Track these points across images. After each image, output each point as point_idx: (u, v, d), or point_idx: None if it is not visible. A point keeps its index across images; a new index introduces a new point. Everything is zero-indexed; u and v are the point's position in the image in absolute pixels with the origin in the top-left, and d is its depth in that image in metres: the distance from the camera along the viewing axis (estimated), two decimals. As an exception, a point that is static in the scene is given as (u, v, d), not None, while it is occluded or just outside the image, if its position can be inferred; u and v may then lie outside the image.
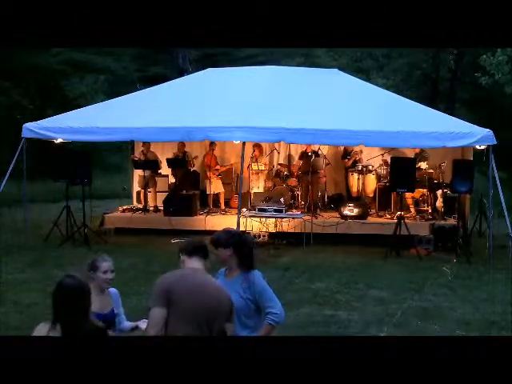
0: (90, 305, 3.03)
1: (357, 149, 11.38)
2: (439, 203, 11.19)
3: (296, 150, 12.69)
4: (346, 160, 11.66)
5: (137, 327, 3.90)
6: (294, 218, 10.10)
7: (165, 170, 12.09)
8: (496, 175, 8.92)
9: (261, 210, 10.03)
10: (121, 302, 4.12)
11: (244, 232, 4.23)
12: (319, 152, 11.37)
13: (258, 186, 11.65)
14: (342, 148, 11.84)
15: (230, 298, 3.35)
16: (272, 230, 10.31)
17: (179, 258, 3.44)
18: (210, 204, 11.68)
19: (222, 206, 11.76)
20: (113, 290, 4.00)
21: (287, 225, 10.26)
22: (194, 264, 3.38)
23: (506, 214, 8.67)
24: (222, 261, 3.75)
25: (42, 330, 2.94)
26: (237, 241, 3.75)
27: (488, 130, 9.20)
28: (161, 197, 11.75)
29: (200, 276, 3.33)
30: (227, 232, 3.82)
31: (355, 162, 11.49)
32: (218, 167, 11.76)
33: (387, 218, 10.74)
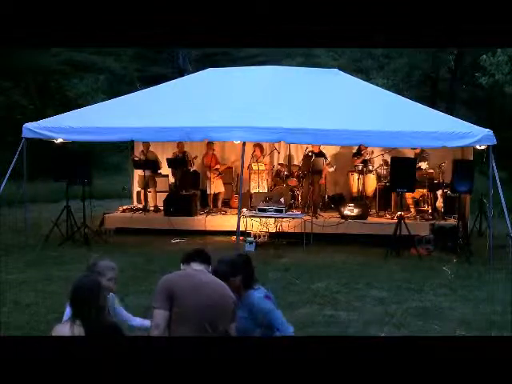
0: (106, 301, 3.09)
1: (369, 149, 11.36)
2: (439, 203, 11.18)
3: (296, 150, 12.71)
4: (356, 159, 11.62)
5: (146, 328, 3.86)
6: (294, 218, 10.10)
7: (165, 170, 12.09)
8: (496, 175, 8.92)
9: (261, 209, 10.02)
10: (116, 301, 4.13)
11: (240, 254, 4.12)
12: (323, 152, 11.36)
13: (258, 186, 11.65)
14: (355, 148, 11.74)
15: (233, 297, 3.34)
16: (272, 230, 10.31)
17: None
18: (211, 204, 11.67)
19: (219, 206, 11.74)
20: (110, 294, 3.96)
21: (287, 225, 10.26)
22: (195, 266, 3.38)
23: (506, 213, 8.67)
24: (234, 289, 3.70)
25: (61, 330, 2.98)
26: (242, 265, 3.73)
27: (488, 129, 9.20)
28: (161, 197, 11.75)
29: (202, 276, 3.32)
30: (229, 262, 3.73)
31: (365, 162, 11.43)
32: (218, 166, 11.75)
33: (387, 218, 10.74)
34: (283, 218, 10.10)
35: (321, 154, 11.27)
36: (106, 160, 22.12)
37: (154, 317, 3.15)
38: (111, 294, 3.97)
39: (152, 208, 11.86)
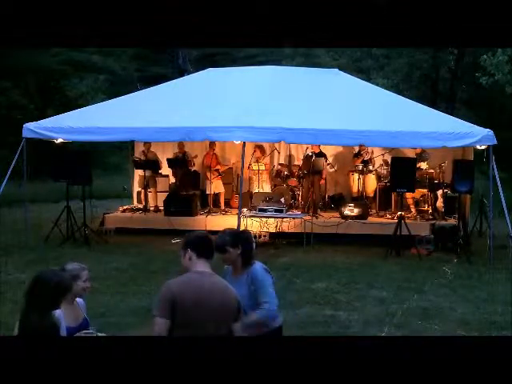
0: (54, 300, 3.01)
1: (369, 149, 11.35)
2: (439, 203, 11.18)
3: (296, 150, 12.70)
4: (356, 159, 11.60)
5: None
6: (294, 218, 10.10)
7: (165, 169, 12.09)
8: (496, 175, 8.92)
9: (261, 210, 10.02)
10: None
11: (243, 230, 4.31)
12: (321, 152, 11.35)
13: (258, 186, 11.65)
14: (356, 148, 11.72)
15: (237, 297, 3.32)
16: (272, 230, 10.31)
17: (184, 252, 3.26)
18: (210, 204, 11.67)
19: (222, 206, 11.77)
20: (78, 299, 3.86)
21: (287, 225, 10.26)
22: (201, 266, 3.29)
23: (506, 213, 8.67)
24: (231, 261, 3.81)
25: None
26: (243, 239, 3.87)
27: (488, 130, 9.20)
28: (161, 197, 11.75)
29: (207, 280, 3.24)
30: (231, 233, 3.89)
31: (366, 162, 11.41)
32: (218, 167, 11.75)
33: (387, 218, 10.73)
34: (283, 218, 10.10)
35: (321, 155, 11.27)
36: (106, 160, 22.13)
37: (156, 325, 3.13)
38: (81, 300, 3.79)
39: (152, 208, 11.86)
